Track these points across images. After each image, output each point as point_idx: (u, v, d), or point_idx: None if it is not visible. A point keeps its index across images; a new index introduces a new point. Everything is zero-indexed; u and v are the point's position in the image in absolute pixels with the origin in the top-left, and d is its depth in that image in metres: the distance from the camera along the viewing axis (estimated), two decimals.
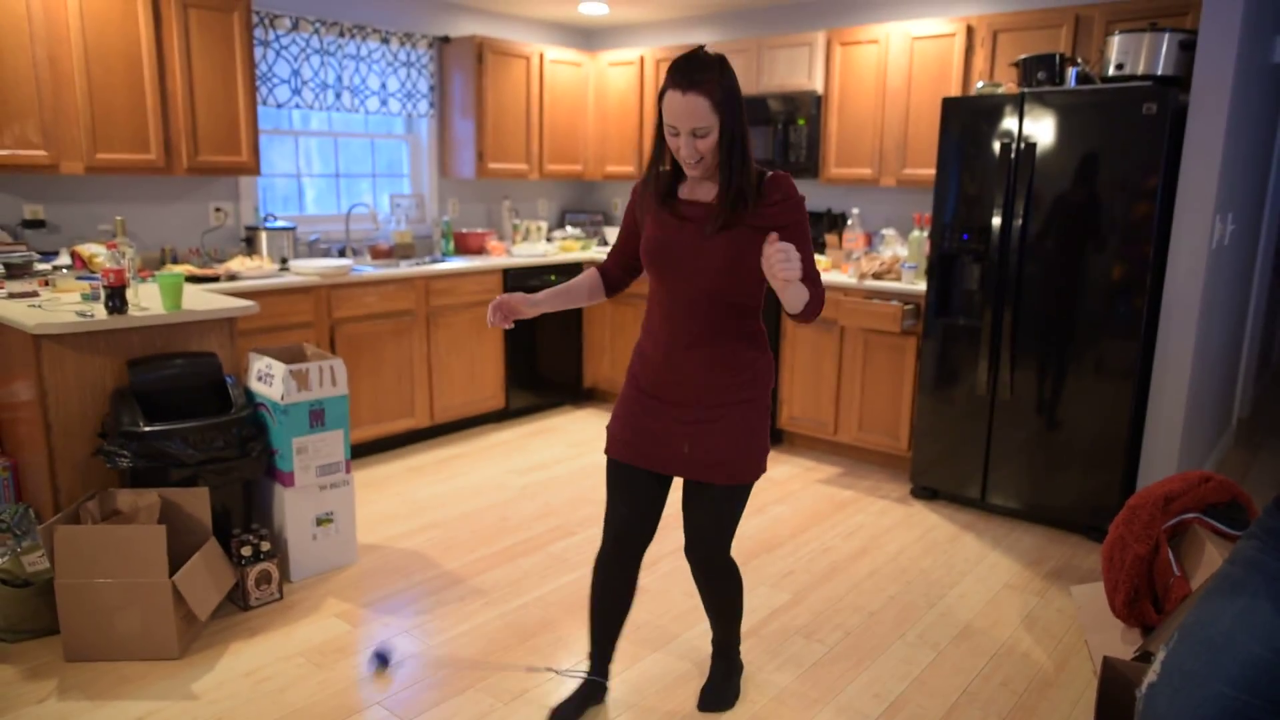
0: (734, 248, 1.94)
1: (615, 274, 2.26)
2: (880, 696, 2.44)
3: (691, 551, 2.18)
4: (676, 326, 2.03)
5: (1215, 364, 4.03)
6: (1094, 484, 3.48)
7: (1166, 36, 3.30)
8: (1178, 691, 1.39)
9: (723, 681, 2.39)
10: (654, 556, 3.29)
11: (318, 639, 2.67)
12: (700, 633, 2.75)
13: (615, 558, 2.21)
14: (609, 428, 2.17)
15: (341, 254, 4.71)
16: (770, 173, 1.97)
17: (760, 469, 2.10)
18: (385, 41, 4.77)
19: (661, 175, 2.04)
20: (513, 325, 2.09)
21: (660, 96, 1.91)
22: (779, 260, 1.72)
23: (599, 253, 5.36)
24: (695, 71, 1.84)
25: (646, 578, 3.12)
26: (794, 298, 1.83)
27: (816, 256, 4.61)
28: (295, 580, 3.04)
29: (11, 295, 3.08)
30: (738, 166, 1.91)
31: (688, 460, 2.06)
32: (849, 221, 4.70)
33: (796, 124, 4.62)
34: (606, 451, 2.18)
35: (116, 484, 2.83)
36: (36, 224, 3.67)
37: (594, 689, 2.34)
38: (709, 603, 2.30)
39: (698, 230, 1.97)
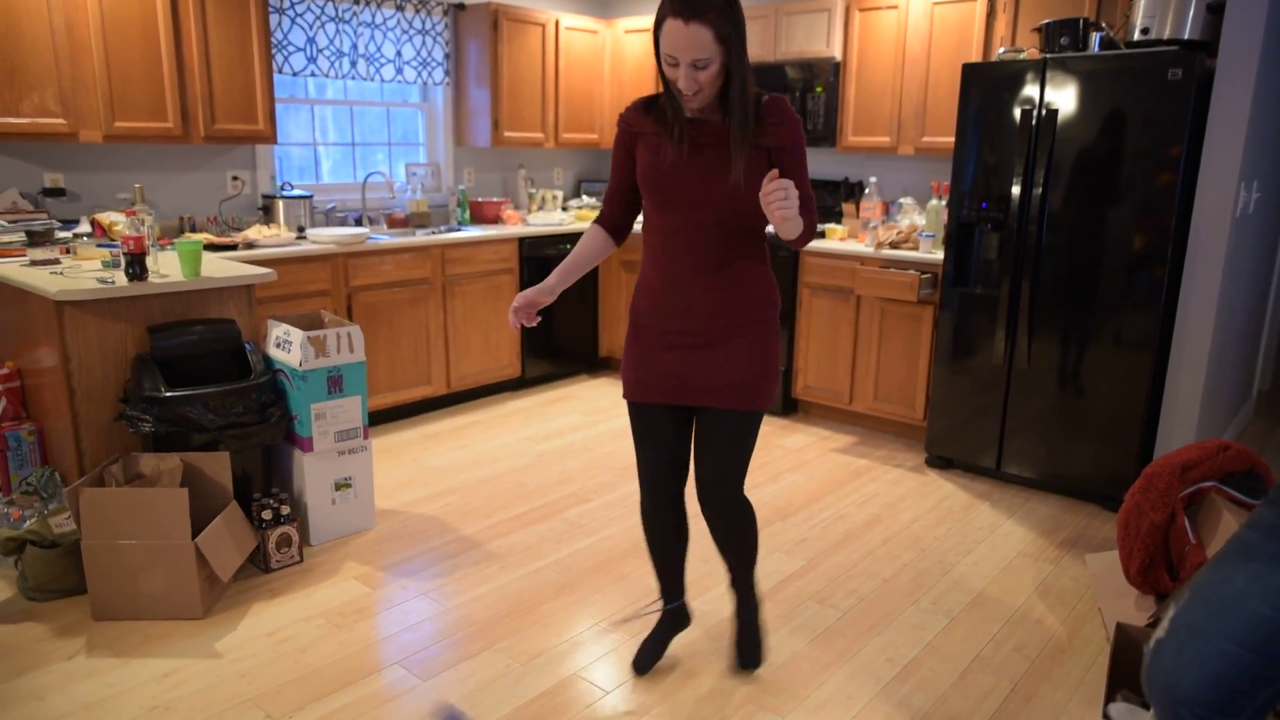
0: (736, 168, 1.92)
1: (618, 217, 2.18)
2: (893, 661, 2.46)
3: (710, 491, 2.13)
4: (683, 252, 2.01)
5: (1236, 335, 3.99)
6: (1111, 454, 3.47)
7: (1194, 0, 3.23)
8: (1184, 647, 1.41)
9: (755, 630, 2.38)
10: None
11: (337, 601, 2.72)
12: (710, 599, 2.77)
13: (657, 505, 2.23)
14: (623, 374, 2.16)
15: (358, 223, 4.72)
16: (767, 95, 1.96)
17: (773, 395, 2.09)
18: (400, 9, 4.75)
19: (663, 100, 1.98)
20: (539, 321, 2.05)
21: (658, 24, 1.84)
22: (778, 198, 1.73)
23: None
24: (697, 1, 1.78)
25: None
26: (790, 228, 1.85)
27: (831, 225, 4.59)
28: (315, 544, 3.08)
29: (34, 263, 3.11)
30: (738, 98, 1.88)
31: (703, 387, 2.04)
32: (866, 190, 4.66)
33: (814, 91, 4.57)
34: (625, 396, 2.17)
35: (139, 448, 2.87)
36: (57, 192, 3.69)
37: (675, 617, 2.40)
38: (729, 544, 2.25)
39: (702, 152, 1.94)
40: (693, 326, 2.04)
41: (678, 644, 2.51)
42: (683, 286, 2.03)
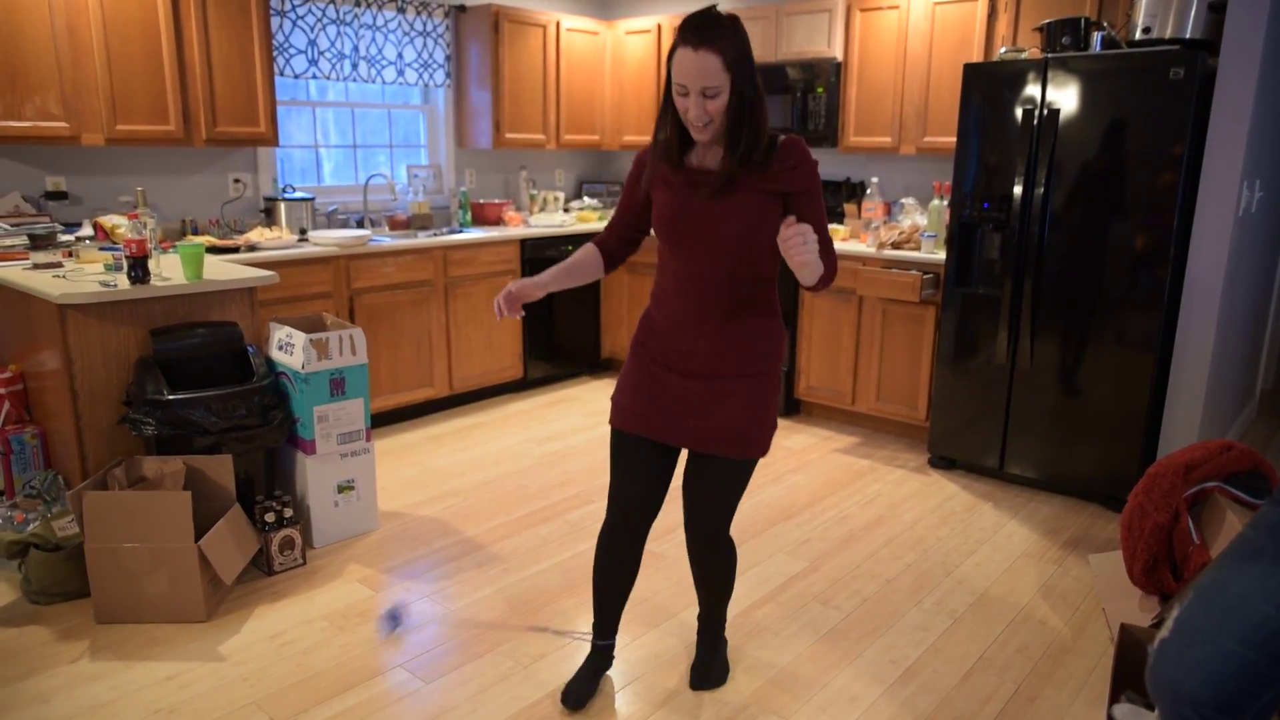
0: (748, 214, 1.90)
1: (614, 246, 2.17)
2: (896, 662, 2.45)
3: (695, 527, 2.14)
4: (689, 297, 1.99)
5: (1239, 335, 3.99)
6: (1114, 454, 3.47)
7: None
8: (1188, 646, 1.41)
9: (712, 659, 2.36)
10: (671, 524, 3.31)
11: (340, 603, 2.72)
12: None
13: (621, 531, 2.17)
14: (614, 399, 2.13)
15: (360, 225, 4.73)
16: (783, 136, 1.93)
17: (767, 445, 2.07)
18: (401, 11, 4.75)
19: (668, 141, 1.97)
20: (523, 314, 2.03)
21: (669, 56, 1.85)
22: (796, 244, 1.71)
23: None
24: (707, 29, 1.78)
25: (662, 545, 3.14)
26: (810, 274, 1.82)
27: (833, 226, 4.59)
28: (318, 546, 3.08)
29: (36, 266, 3.11)
30: (747, 129, 1.85)
31: (697, 432, 2.02)
32: (868, 190, 4.66)
33: (815, 92, 4.57)
34: (612, 423, 2.13)
35: (142, 451, 2.87)
36: (59, 195, 3.70)
37: (604, 656, 2.32)
38: (705, 579, 2.26)
39: (710, 196, 1.92)
40: (694, 370, 2.02)
41: (682, 648, 2.51)
42: (689, 330, 2.01)
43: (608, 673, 2.38)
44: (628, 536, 2.18)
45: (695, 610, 2.70)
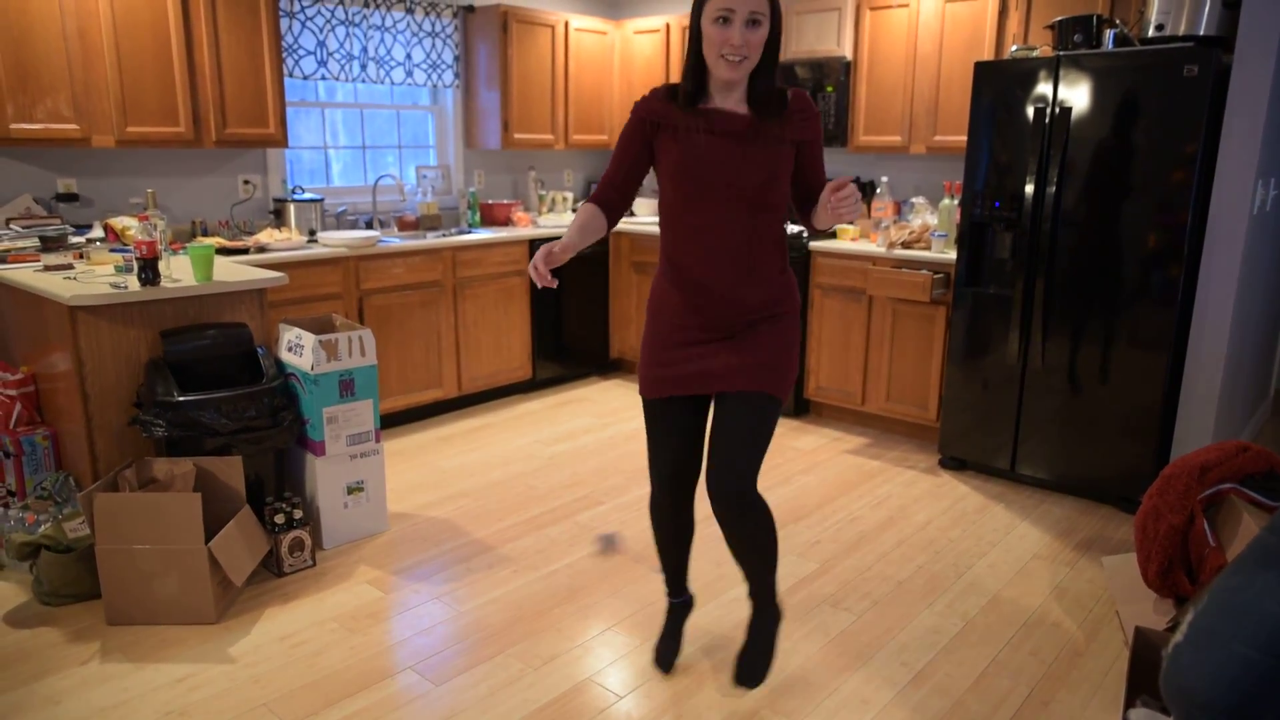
0: (771, 162, 1.95)
1: (614, 201, 2.09)
2: (908, 665, 2.44)
3: (721, 481, 2.03)
4: (710, 245, 1.99)
5: (1253, 334, 3.95)
6: (1127, 455, 3.44)
7: None
8: (1201, 650, 1.39)
9: (768, 645, 2.28)
10: None
11: (350, 605, 2.72)
12: (724, 602, 2.76)
13: (667, 498, 2.21)
14: (640, 372, 2.14)
15: (368, 226, 4.73)
16: (790, 88, 2.00)
17: (790, 387, 2.08)
18: (410, 11, 4.75)
19: (691, 89, 1.98)
20: (555, 283, 1.99)
21: None
22: (850, 204, 1.81)
23: (625, 224, 5.32)
24: None
25: None
26: (830, 219, 1.92)
27: (842, 226, 4.57)
28: (327, 547, 3.09)
29: (47, 268, 3.12)
30: (768, 72, 1.93)
31: (726, 372, 2.01)
32: (878, 190, 4.64)
33: (825, 91, 4.55)
34: (641, 393, 2.14)
35: (152, 453, 2.88)
36: (70, 197, 3.71)
37: (683, 610, 2.42)
38: (745, 544, 2.15)
39: (736, 144, 1.95)
40: (714, 322, 2.04)
41: (691, 648, 2.50)
42: (709, 284, 2.01)
43: (616, 676, 2.37)
44: (672, 503, 2.21)
45: (707, 612, 2.69)
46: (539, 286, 2.06)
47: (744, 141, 1.94)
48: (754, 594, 2.28)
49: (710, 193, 1.96)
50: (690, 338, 2.06)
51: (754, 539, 2.15)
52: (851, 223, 1.91)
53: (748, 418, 2.03)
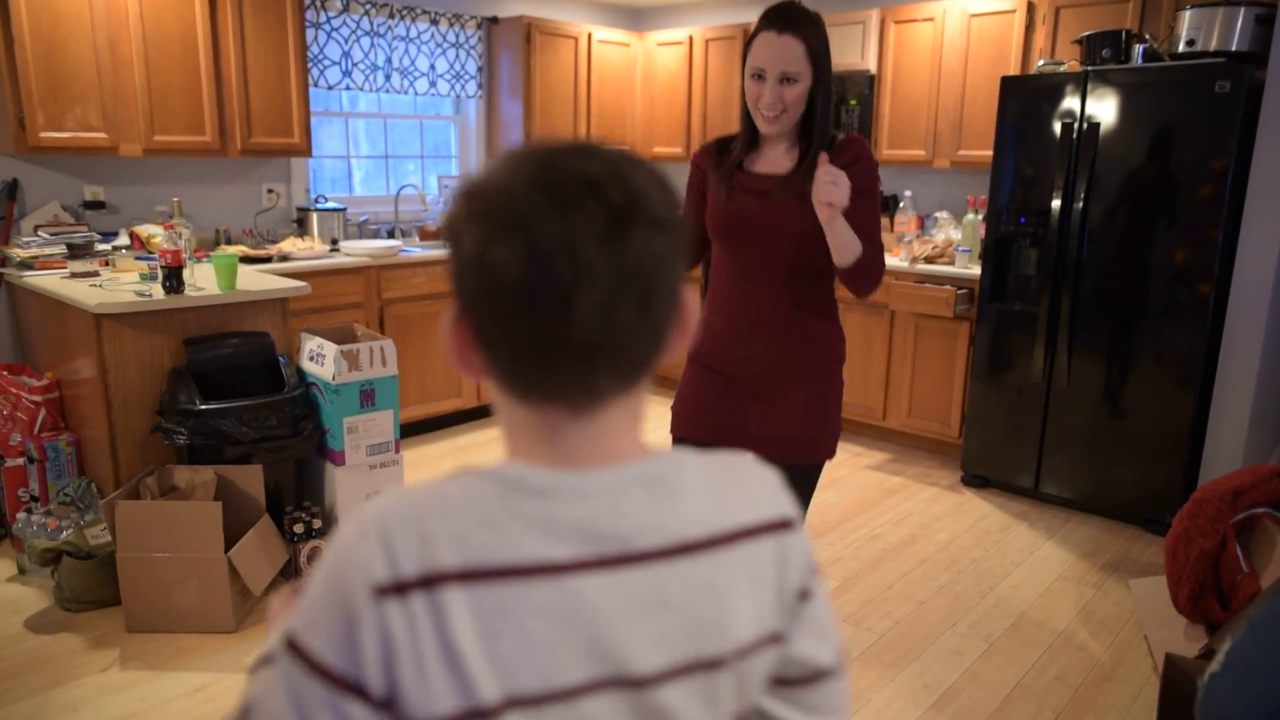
0: (807, 217, 1.84)
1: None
2: (931, 687, 2.40)
3: None
4: (748, 299, 1.95)
5: None
6: (1154, 475, 3.38)
7: (1242, 10, 3.16)
8: (1239, 681, 1.36)
9: None
10: None
11: None
12: None
13: None
14: (674, 409, 2.10)
15: (390, 235, 4.75)
16: (843, 134, 1.91)
17: (832, 448, 2.01)
18: (434, 23, 4.78)
19: (741, 143, 1.94)
20: None
21: (748, 44, 1.84)
22: (826, 183, 1.66)
23: None
24: (793, 16, 1.79)
25: None
26: (843, 241, 1.76)
27: None
28: None
29: (74, 275, 3.15)
30: (820, 127, 1.84)
31: (758, 438, 1.97)
32: (901, 204, 4.61)
33: (848, 104, 4.53)
34: (672, 431, 2.10)
35: (174, 460, 2.89)
36: (97, 205, 3.75)
37: None
38: None
39: (773, 201, 1.88)
40: (753, 374, 1.98)
41: None
42: (746, 334, 1.97)
43: None
44: None
45: None
46: None
47: (773, 198, 1.87)
48: None
49: (743, 248, 1.93)
50: (727, 387, 2.01)
51: None
52: (831, 219, 1.75)
53: (794, 487, 1.97)
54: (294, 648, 0.61)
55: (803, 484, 2.02)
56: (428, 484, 0.65)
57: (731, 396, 2.02)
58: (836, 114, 4.56)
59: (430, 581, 0.59)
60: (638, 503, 0.64)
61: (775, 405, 1.98)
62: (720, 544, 0.67)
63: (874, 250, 1.85)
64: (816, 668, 0.77)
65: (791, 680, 0.76)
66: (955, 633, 2.68)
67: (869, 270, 1.84)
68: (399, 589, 0.58)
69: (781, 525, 0.71)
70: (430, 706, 0.58)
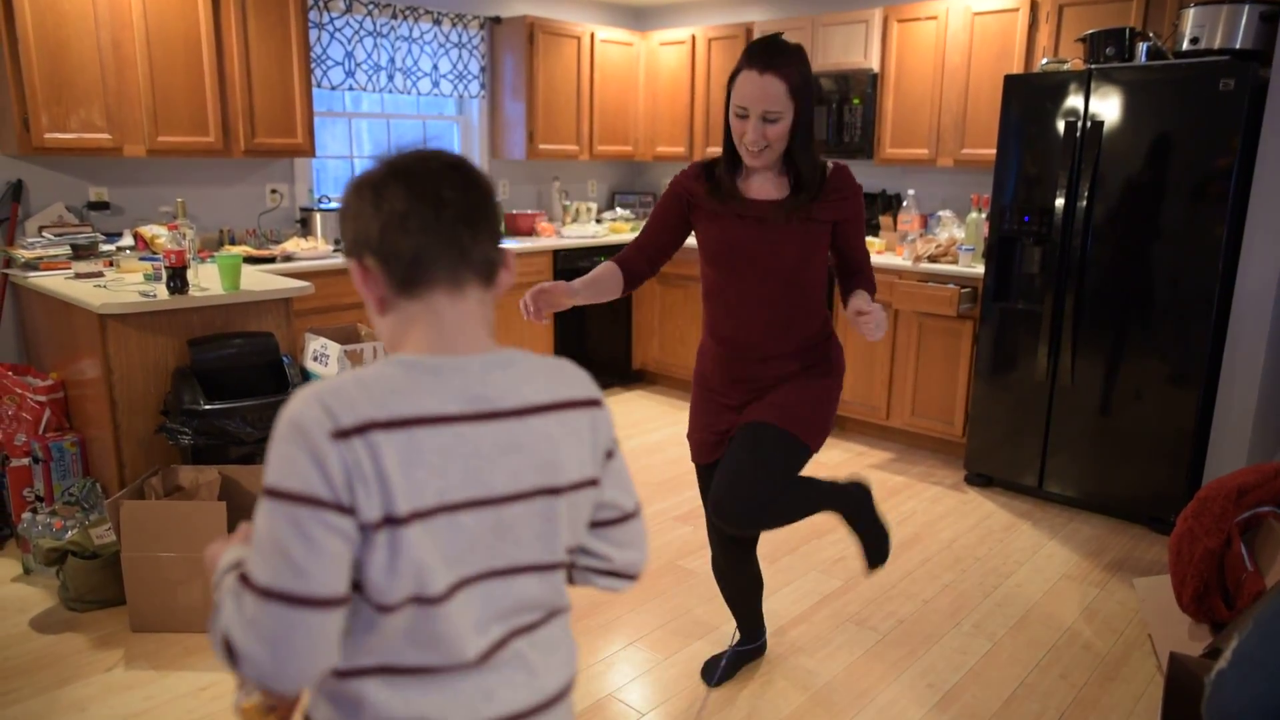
0: (804, 243, 1.93)
1: (638, 267, 2.08)
2: (934, 686, 2.40)
3: (721, 506, 1.93)
4: (747, 321, 2.02)
5: None
6: (1158, 474, 3.38)
7: (1246, 8, 3.15)
8: (1245, 679, 1.36)
9: (871, 522, 2.11)
10: (704, 540, 3.28)
11: None
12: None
13: (723, 557, 2.28)
14: (689, 436, 2.20)
15: None
16: (831, 164, 1.97)
17: (815, 438, 1.99)
18: (437, 23, 4.78)
19: (723, 172, 1.97)
20: (549, 320, 2.00)
21: (731, 79, 1.87)
22: (870, 328, 1.80)
23: None
24: (774, 54, 1.81)
25: (694, 562, 3.10)
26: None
27: (869, 239, 4.54)
28: None
29: (78, 275, 3.16)
30: (804, 159, 1.89)
31: (748, 415, 2.05)
32: (904, 203, 4.60)
33: (851, 103, 4.53)
34: (693, 459, 2.21)
35: (178, 460, 2.89)
36: (101, 206, 3.75)
37: (752, 651, 2.46)
38: (787, 521, 2.01)
39: (766, 229, 1.94)
40: (749, 390, 2.07)
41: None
42: (745, 353, 2.05)
43: (637, 693, 2.35)
44: (730, 560, 2.28)
45: (731, 629, 2.67)
46: (525, 315, 1.93)
47: (770, 225, 1.94)
48: (849, 521, 2.11)
49: (741, 273, 1.99)
50: (730, 402, 2.10)
51: (790, 520, 2.02)
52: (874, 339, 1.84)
53: (756, 441, 1.96)
54: (278, 493, 0.83)
55: (776, 444, 1.92)
56: (349, 372, 0.89)
57: (734, 406, 2.09)
58: (840, 114, 4.56)
59: (364, 429, 0.83)
60: (498, 377, 0.93)
61: (771, 390, 2.05)
62: (555, 409, 0.96)
63: (867, 268, 2.05)
64: (622, 509, 1.06)
65: (604, 521, 1.05)
66: (959, 631, 2.68)
67: (874, 292, 2.04)
68: (343, 434, 0.83)
69: (594, 403, 1.01)
70: (367, 515, 0.83)
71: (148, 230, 3.63)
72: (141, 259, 3.39)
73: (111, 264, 3.34)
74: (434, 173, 0.93)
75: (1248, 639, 1.40)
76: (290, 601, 0.81)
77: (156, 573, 2.54)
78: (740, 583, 2.35)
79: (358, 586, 0.86)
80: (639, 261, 2.09)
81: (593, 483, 1.00)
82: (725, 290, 2.03)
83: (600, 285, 2.02)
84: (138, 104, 3.53)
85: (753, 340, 2.03)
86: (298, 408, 0.84)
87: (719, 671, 2.38)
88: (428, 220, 0.90)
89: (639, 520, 1.08)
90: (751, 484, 1.93)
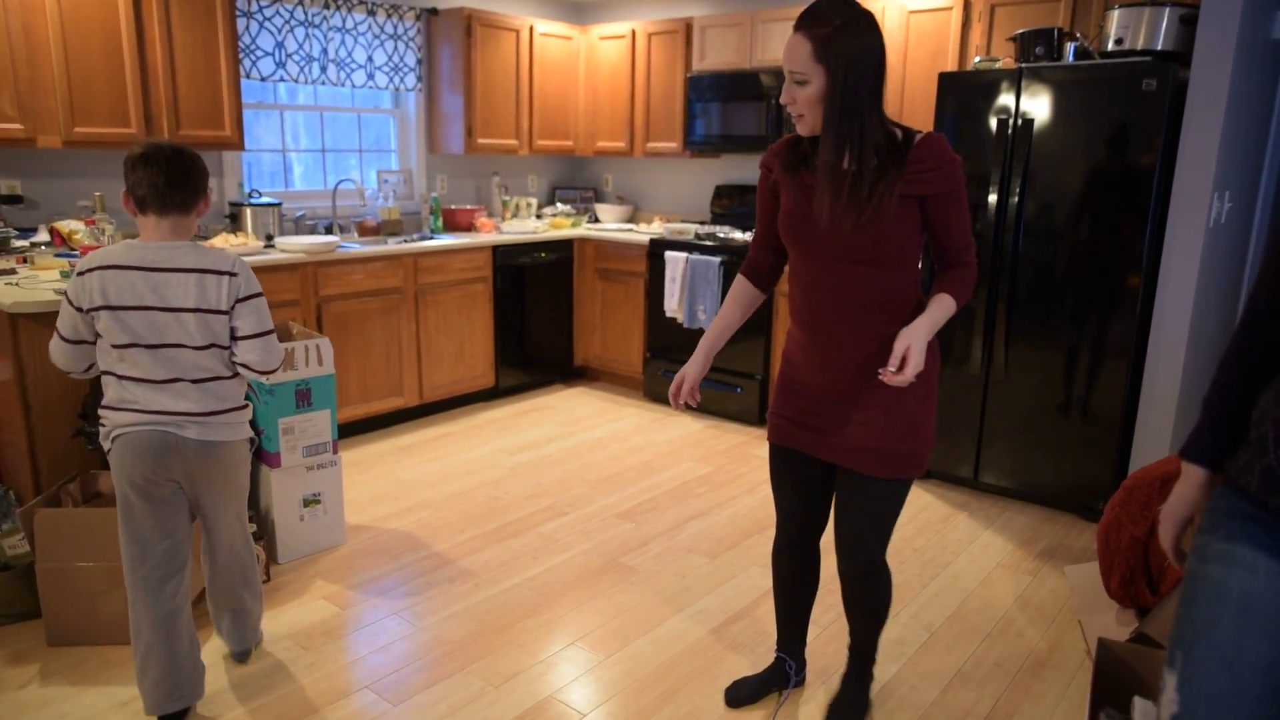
0: (879, 221, 1.76)
1: (765, 265, 2.08)
2: (874, 678, 2.42)
3: (846, 556, 2.02)
4: (820, 304, 1.88)
5: (1211, 344, 4.01)
6: (1088, 463, 3.47)
7: (1167, 11, 3.24)
8: (1212, 718, 1.28)
9: (857, 694, 2.22)
10: (645, 536, 3.26)
11: (306, 621, 2.64)
12: (687, 616, 2.73)
13: (787, 547, 2.18)
14: (769, 417, 2.08)
15: (328, 231, 4.64)
16: (921, 134, 1.78)
17: (919, 463, 1.92)
18: (371, 13, 4.67)
19: (793, 141, 1.90)
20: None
21: None
22: (889, 376, 1.71)
23: (589, 230, 5.29)
24: (809, 14, 1.72)
25: (635, 559, 3.09)
26: (941, 320, 1.82)
27: None
28: (282, 562, 3.00)
29: None
30: (851, 131, 1.72)
31: (839, 447, 1.93)
32: None
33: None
34: (769, 437, 2.10)
35: (98, 466, 2.78)
36: (14, 199, 3.58)
37: (778, 670, 2.33)
38: (859, 607, 2.10)
39: (839, 200, 1.79)
40: (830, 380, 1.93)
41: (659, 663, 2.46)
42: (821, 340, 1.90)
43: (579, 693, 2.33)
44: (794, 552, 2.19)
45: (672, 626, 2.66)
46: (677, 407, 2.05)
47: (836, 198, 1.77)
48: (853, 650, 2.22)
49: (811, 249, 1.86)
50: (813, 392, 1.97)
51: (872, 605, 2.11)
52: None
53: (866, 500, 1.95)
54: (67, 297, 2.01)
55: (886, 498, 1.93)
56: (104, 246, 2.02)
57: (813, 404, 1.97)
58: (779, 110, 4.58)
59: (94, 269, 1.97)
60: (177, 252, 2.00)
61: (854, 411, 1.91)
62: (208, 272, 2.01)
63: (965, 252, 1.86)
64: (246, 331, 2.07)
65: (235, 337, 2.07)
66: (897, 623, 2.72)
67: (965, 291, 1.87)
68: (84, 273, 1.97)
69: (231, 274, 2.02)
70: (87, 307, 1.98)
71: (65, 225, 3.47)
72: (58, 255, 3.24)
73: (25, 261, 3.19)
74: (161, 154, 1.96)
75: (1189, 673, 1.21)
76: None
77: (75, 584, 2.43)
78: (797, 573, 2.22)
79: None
80: (762, 255, 2.09)
81: (227, 312, 2.03)
82: (799, 270, 1.91)
83: (732, 315, 2.10)
84: (52, 93, 3.37)
85: (828, 324, 1.88)
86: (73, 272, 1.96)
87: (742, 691, 2.29)
88: (150, 178, 1.96)
89: (264, 339, 2.09)
90: (879, 540, 2.00)
